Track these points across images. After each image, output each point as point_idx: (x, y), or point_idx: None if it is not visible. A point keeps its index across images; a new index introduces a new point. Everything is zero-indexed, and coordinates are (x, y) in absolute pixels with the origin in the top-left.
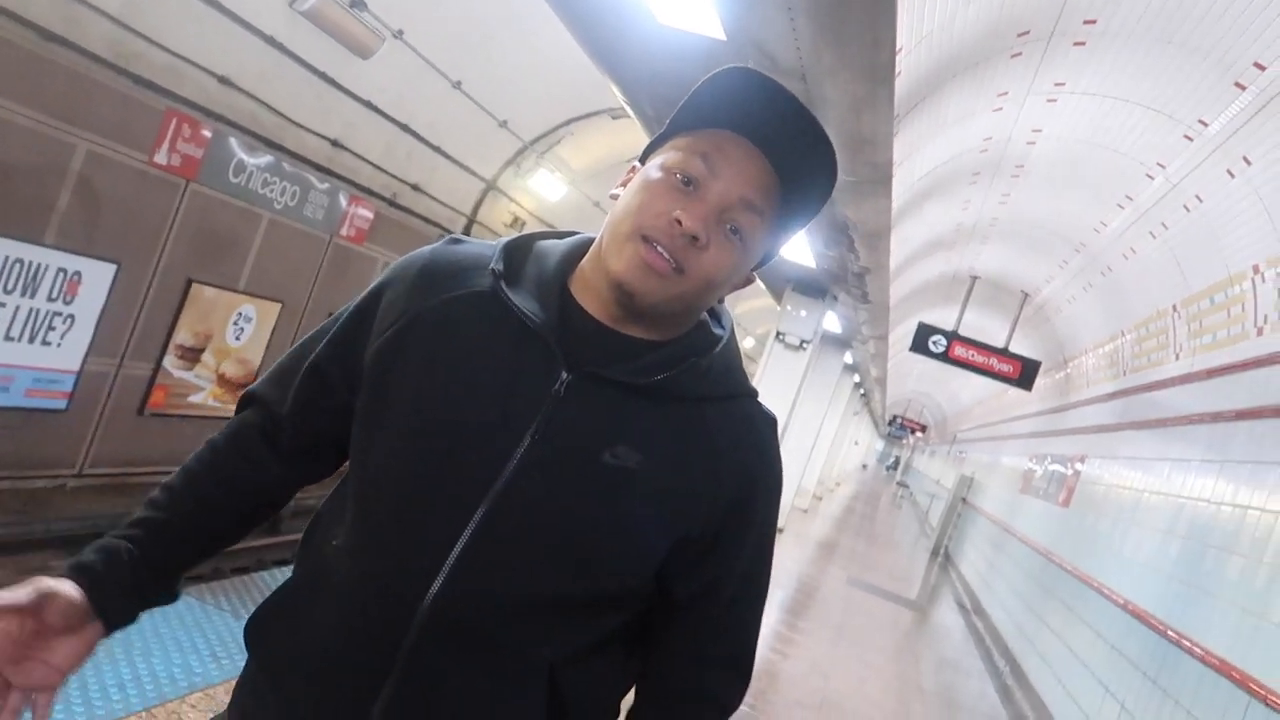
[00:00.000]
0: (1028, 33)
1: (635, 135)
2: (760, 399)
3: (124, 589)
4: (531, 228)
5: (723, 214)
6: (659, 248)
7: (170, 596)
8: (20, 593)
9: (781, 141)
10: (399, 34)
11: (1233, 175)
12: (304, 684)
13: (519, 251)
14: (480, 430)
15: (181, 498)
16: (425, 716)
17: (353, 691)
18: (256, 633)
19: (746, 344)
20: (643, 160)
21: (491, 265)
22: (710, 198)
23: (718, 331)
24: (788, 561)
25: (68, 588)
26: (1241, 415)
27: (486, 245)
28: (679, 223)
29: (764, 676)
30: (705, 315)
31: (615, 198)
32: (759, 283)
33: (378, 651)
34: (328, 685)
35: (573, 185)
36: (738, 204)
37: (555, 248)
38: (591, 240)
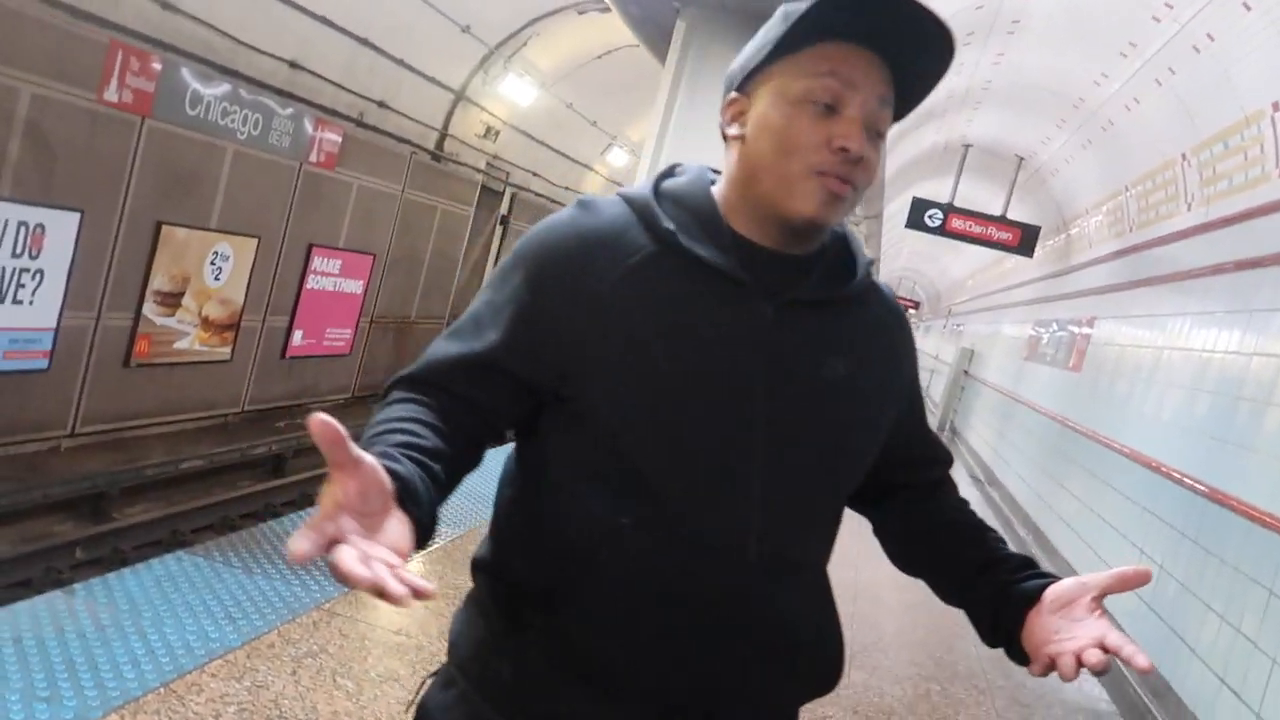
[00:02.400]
0: None
1: (603, 31)
2: None
3: (429, 499)
4: (506, 136)
5: (867, 125)
6: (834, 177)
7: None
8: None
9: (898, 41)
10: None
11: (1248, 8)
12: (634, 654)
13: (661, 203)
14: (722, 380)
15: (430, 438)
16: (766, 650)
17: (697, 647)
18: (518, 627)
19: None
20: (740, 88)
21: (662, 224)
22: (856, 114)
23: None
24: None
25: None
26: (1267, 261)
27: (616, 203)
28: (845, 149)
29: None
30: None
31: (737, 137)
32: None
33: (713, 603)
34: (663, 654)
35: (544, 88)
36: (877, 109)
37: (694, 191)
38: (706, 171)
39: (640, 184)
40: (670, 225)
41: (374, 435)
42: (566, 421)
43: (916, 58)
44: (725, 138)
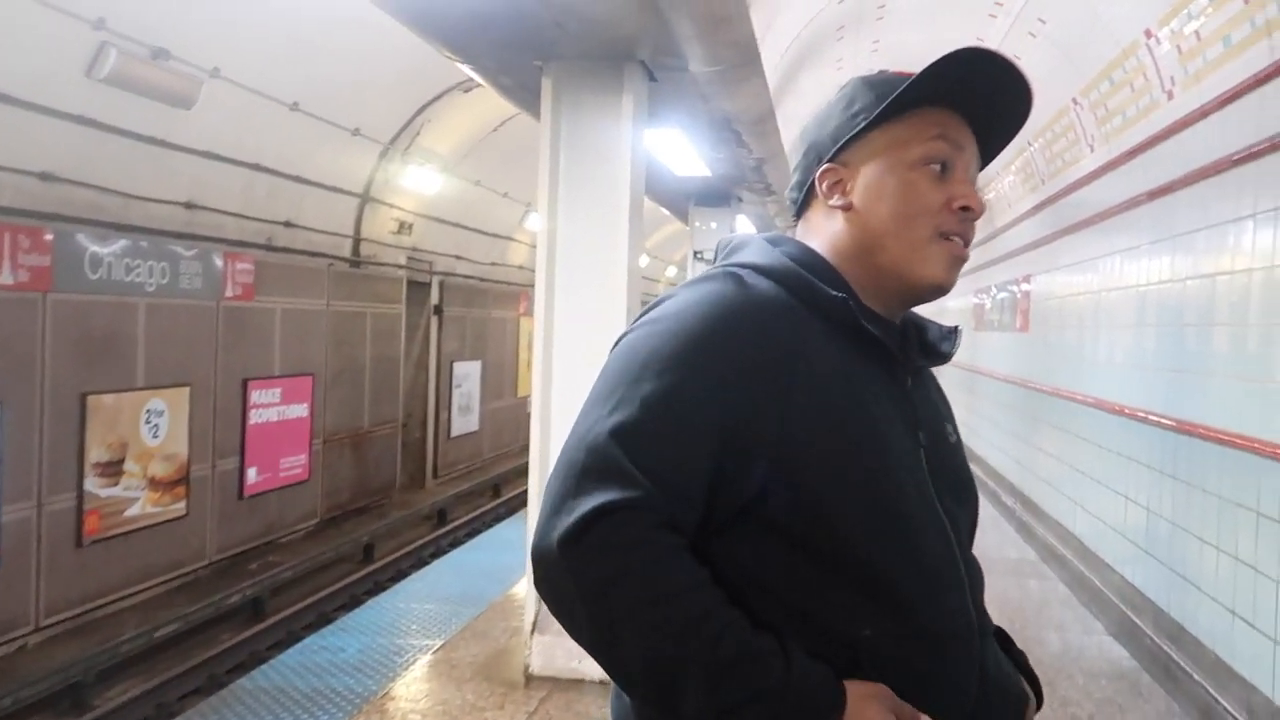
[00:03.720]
0: None
1: (492, 103)
2: None
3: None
4: (421, 226)
5: (973, 184)
6: (956, 238)
7: None
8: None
9: (989, 106)
10: (216, 73)
11: None
12: None
13: (810, 271)
14: (908, 460)
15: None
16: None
17: None
18: None
19: (669, 273)
20: (834, 158)
21: (836, 294)
22: (966, 173)
23: None
24: None
25: None
26: (1176, 185)
27: (763, 280)
28: (967, 209)
29: None
30: None
31: (844, 207)
32: (662, 210)
33: (962, 690)
34: None
35: (448, 172)
36: (976, 168)
37: (820, 264)
38: (801, 248)
39: (762, 255)
40: (845, 296)
41: (720, 633)
42: (759, 529)
43: (1002, 118)
44: (797, 209)
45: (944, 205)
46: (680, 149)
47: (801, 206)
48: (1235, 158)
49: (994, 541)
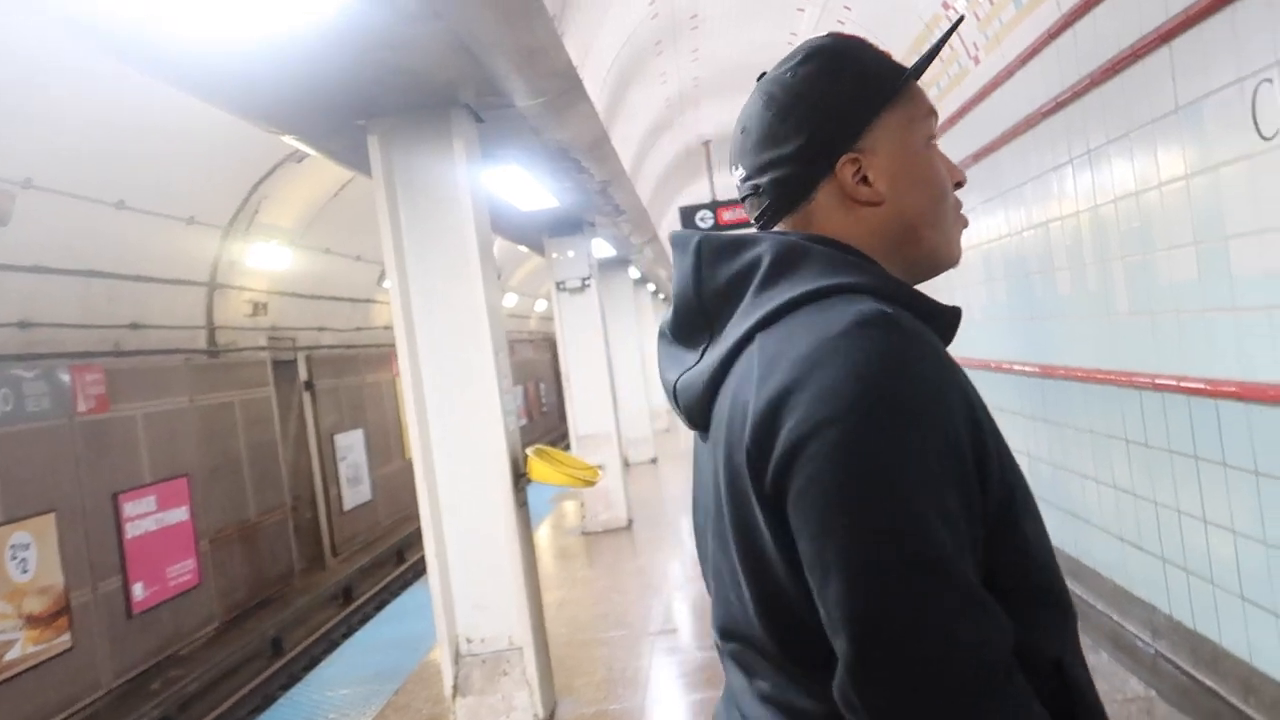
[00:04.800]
0: None
1: (328, 169)
2: None
3: None
4: (276, 304)
5: None
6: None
7: None
8: None
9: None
10: (28, 184)
11: None
12: None
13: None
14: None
15: None
16: None
17: None
18: None
19: (539, 308)
20: (853, 139)
21: (949, 305)
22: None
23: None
24: (672, 489)
25: None
26: (995, 144)
27: (893, 305)
28: (961, 182)
29: (703, 606)
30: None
31: (880, 200)
32: (520, 247)
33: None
34: None
35: (295, 245)
36: None
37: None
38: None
39: (852, 270)
40: (956, 308)
41: None
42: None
43: None
44: (810, 201)
45: (949, 180)
46: (523, 184)
47: (795, 203)
48: (1044, 110)
49: None
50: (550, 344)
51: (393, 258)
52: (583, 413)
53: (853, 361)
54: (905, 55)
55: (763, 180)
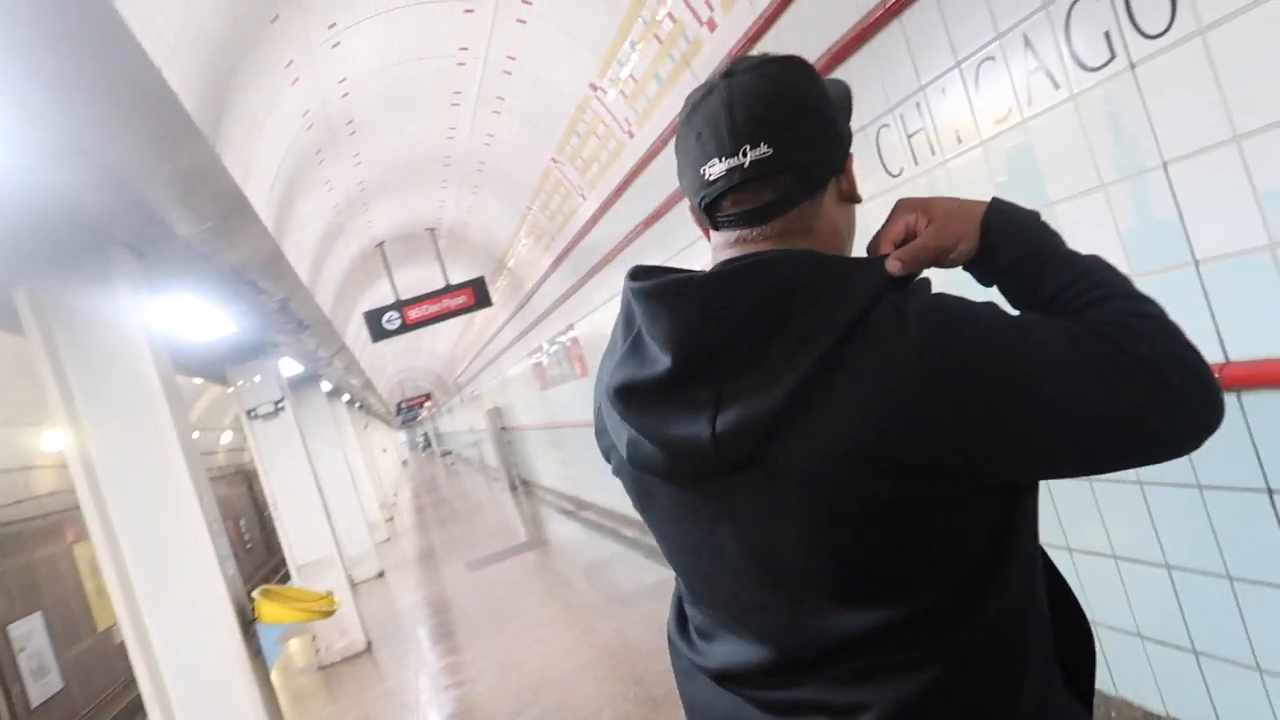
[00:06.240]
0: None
1: None
2: None
3: None
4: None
5: None
6: None
7: None
8: None
9: None
10: None
11: (524, 21)
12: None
13: None
14: None
15: None
16: None
17: None
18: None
19: (225, 440)
20: (850, 142)
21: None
22: None
23: None
24: (405, 601)
25: None
26: (664, 208)
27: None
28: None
29: (464, 716)
30: None
31: (854, 198)
32: (195, 381)
33: None
34: None
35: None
36: None
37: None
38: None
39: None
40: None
41: None
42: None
43: None
44: (824, 190)
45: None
46: (199, 313)
47: (813, 191)
48: None
49: (634, 576)
50: (244, 476)
51: (65, 418)
52: (299, 541)
53: (963, 310)
54: (562, 136)
55: (802, 158)
